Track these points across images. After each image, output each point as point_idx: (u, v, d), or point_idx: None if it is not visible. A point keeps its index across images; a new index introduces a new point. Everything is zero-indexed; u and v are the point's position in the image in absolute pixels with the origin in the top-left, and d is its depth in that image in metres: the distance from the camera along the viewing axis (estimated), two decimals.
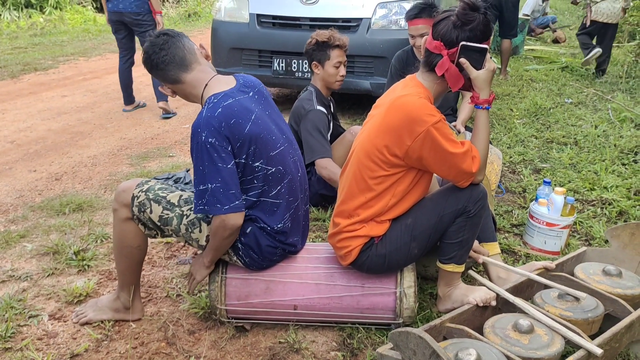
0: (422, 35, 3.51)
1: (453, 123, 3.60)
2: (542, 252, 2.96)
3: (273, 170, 2.07)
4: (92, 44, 10.24)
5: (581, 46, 7.56)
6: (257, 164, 2.03)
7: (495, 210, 3.40)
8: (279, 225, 2.10)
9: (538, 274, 2.25)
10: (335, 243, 2.14)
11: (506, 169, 4.24)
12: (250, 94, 2.11)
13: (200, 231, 2.11)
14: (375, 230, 2.06)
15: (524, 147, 4.71)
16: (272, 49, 5.05)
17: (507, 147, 4.67)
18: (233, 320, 2.25)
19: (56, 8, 14.75)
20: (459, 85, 1.95)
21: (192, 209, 2.10)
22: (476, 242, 2.33)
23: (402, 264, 2.11)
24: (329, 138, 3.30)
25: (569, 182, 3.91)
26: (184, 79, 2.05)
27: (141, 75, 6.33)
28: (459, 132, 3.51)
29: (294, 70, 5.00)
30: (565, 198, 2.95)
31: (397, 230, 2.06)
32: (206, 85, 2.05)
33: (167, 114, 5.58)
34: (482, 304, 2.01)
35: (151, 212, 2.11)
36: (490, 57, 1.95)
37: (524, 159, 4.42)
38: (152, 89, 5.80)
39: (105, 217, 3.24)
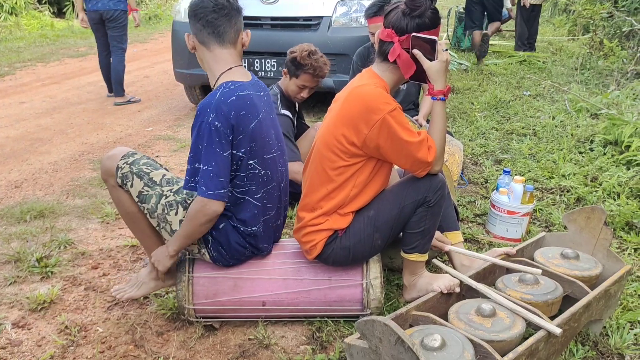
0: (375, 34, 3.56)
1: (415, 117, 3.66)
2: (504, 239, 3.03)
3: (262, 172, 2.08)
4: (50, 49, 10.03)
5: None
6: (252, 162, 2.04)
7: (458, 201, 3.47)
8: (253, 228, 2.10)
9: (501, 257, 2.31)
10: (300, 238, 2.16)
11: (468, 160, 4.32)
12: (262, 93, 2.12)
13: (176, 214, 2.10)
14: (339, 223, 2.08)
15: (485, 139, 4.81)
16: None
17: (469, 140, 4.77)
18: (202, 319, 2.24)
19: (11, 14, 14.37)
20: (411, 72, 1.99)
21: (173, 190, 2.11)
22: (439, 232, 2.38)
23: (366, 255, 2.14)
24: (294, 139, 3.32)
25: (529, 171, 4.01)
26: (213, 49, 2.02)
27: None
28: (421, 125, 3.57)
29: (257, 69, 5.00)
30: (524, 186, 3.03)
31: (360, 222, 2.09)
32: (230, 69, 2.04)
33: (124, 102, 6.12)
34: (446, 291, 2.05)
35: (132, 186, 2.11)
36: (446, 50, 2.00)
37: (485, 150, 4.51)
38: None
39: (67, 223, 3.19)
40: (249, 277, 2.21)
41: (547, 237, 2.55)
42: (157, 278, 2.28)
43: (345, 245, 2.09)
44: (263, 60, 4.98)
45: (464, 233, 3.08)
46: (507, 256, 2.35)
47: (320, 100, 5.90)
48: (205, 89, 5.70)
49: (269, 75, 5.00)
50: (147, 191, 2.11)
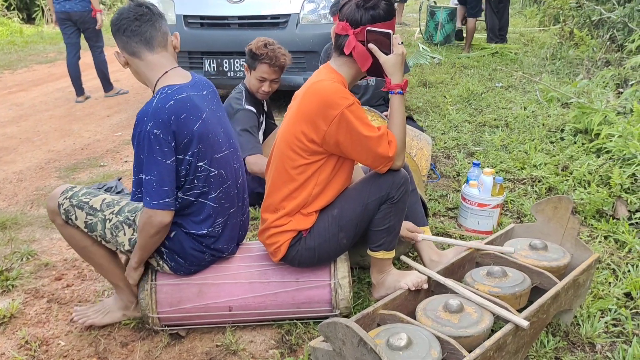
0: None
1: (385, 112, 3.63)
2: (476, 232, 3.02)
3: (215, 173, 2.03)
4: (18, 56, 9.83)
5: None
6: (201, 164, 1.98)
7: (430, 195, 3.45)
8: (209, 229, 2.05)
9: (468, 253, 2.29)
10: (265, 240, 2.12)
11: (441, 154, 4.31)
12: (204, 92, 2.07)
13: (124, 234, 2.05)
14: (302, 223, 2.04)
15: (458, 132, 4.80)
16: (202, 49, 4.96)
17: (442, 133, 4.76)
18: (167, 327, 2.19)
19: None
20: (368, 65, 1.95)
21: (114, 211, 2.06)
22: (412, 224, 2.36)
23: (332, 255, 2.11)
24: (260, 137, 3.26)
25: (501, 162, 4.01)
26: (144, 57, 1.98)
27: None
28: None
29: (226, 70, 4.94)
30: (494, 178, 3.02)
31: (324, 221, 2.05)
32: (165, 73, 1.99)
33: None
34: (413, 288, 2.02)
35: (76, 219, 2.06)
36: (402, 43, 1.97)
37: (457, 143, 4.50)
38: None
39: (31, 234, 3.11)
40: (214, 282, 2.16)
41: (516, 228, 2.54)
42: (125, 307, 2.24)
43: (310, 246, 2.05)
44: (232, 60, 4.91)
45: (436, 227, 3.06)
46: (476, 250, 2.33)
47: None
48: None
49: (238, 75, 4.93)
50: (91, 219, 2.06)
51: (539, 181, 3.69)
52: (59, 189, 2.13)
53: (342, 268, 2.19)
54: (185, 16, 5.02)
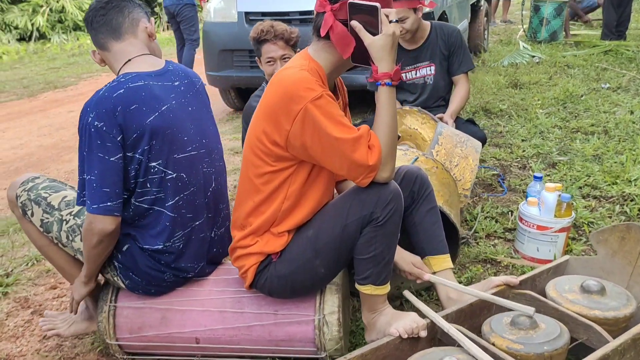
0: (399, 20, 3.11)
1: (439, 115, 3.16)
2: (535, 261, 2.47)
3: (173, 176, 1.73)
4: None
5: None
6: (154, 164, 1.69)
7: (488, 212, 2.93)
8: (165, 244, 1.75)
9: (496, 293, 1.79)
10: (233, 261, 1.78)
11: (516, 164, 3.72)
12: (176, 83, 1.80)
13: (81, 239, 1.79)
14: (271, 245, 1.67)
15: (543, 138, 4.16)
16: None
17: (522, 140, 4.14)
18: (128, 357, 1.91)
19: None
20: (350, 49, 1.55)
21: (73, 212, 1.84)
22: (418, 259, 1.90)
23: (309, 286, 1.72)
24: None
25: (588, 176, 3.36)
26: (111, 48, 1.78)
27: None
28: (447, 124, 3.06)
29: None
30: (559, 196, 2.45)
31: (297, 244, 1.67)
32: (129, 61, 1.77)
33: None
34: (405, 336, 1.59)
35: (32, 215, 1.85)
36: (395, 21, 1.53)
37: (539, 152, 3.88)
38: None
39: None
40: (179, 308, 1.85)
41: (571, 261, 2.00)
42: (90, 318, 1.99)
43: (281, 274, 1.68)
44: None
45: (483, 253, 2.55)
46: (509, 288, 1.83)
47: (359, 99, 5.39)
48: (241, 91, 5.44)
49: None
50: (47, 218, 1.82)
51: (631, 200, 3.02)
52: (20, 178, 1.93)
53: (330, 301, 1.79)
54: (247, 13, 4.82)
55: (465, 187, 2.46)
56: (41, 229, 1.85)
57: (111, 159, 1.62)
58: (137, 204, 1.72)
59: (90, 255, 1.71)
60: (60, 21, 14.90)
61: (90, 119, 1.61)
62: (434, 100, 3.39)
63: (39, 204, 1.84)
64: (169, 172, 1.71)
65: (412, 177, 1.91)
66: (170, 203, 1.73)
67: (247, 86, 5.07)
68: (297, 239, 1.67)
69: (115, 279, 1.81)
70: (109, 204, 1.62)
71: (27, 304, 2.35)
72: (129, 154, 1.66)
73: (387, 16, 1.52)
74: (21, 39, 14.32)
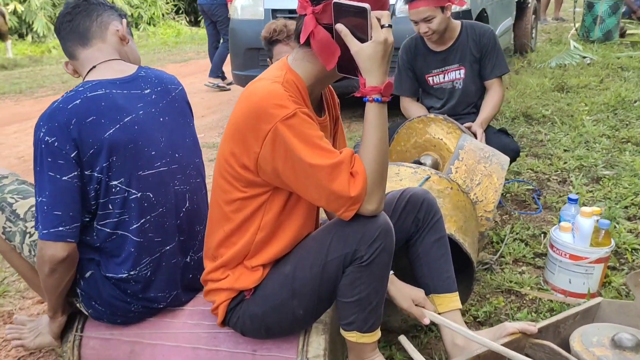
0: (425, 20, 2.85)
1: (466, 124, 2.88)
2: (566, 294, 2.17)
3: (137, 195, 1.54)
4: (159, 56, 10.29)
5: None
6: (115, 182, 1.51)
7: (517, 233, 2.64)
8: (130, 272, 1.56)
9: (509, 342, 1.53)
10: (205, 294, 1.57)
11: (555, 178, 3.40)
12: (146, 91, 1.61)
13: None
14: (244, 280, 1.45)
15: (588, 149, 3.80)
16: None
17: (564, 151, 3.79)
18: None
19: (150, 24, 15.29)
20: (333, 59, 1.31)
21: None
22: (421, 294, 1.65)
23: (287, 329, 1.50)
24: None
25: (636, 194, 3.02)
26: (79, 55, 1.64)
27: None
28: (475, 135, 2.78)
29: None
30: (597, 221, 2.15)
31: (273, 281, 1.44)
32: (93, 67, 1.61)
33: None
34: None
35: None
36: (388, 25, 1.29)
37: (582, 164, 3.53)
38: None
39: None
40: (149, 341, 1.66)
41: (603, 305, 1.71)
42: (54, 333, 1.81)
43: (254, 313, 1.46)
44: None
45: (508, 283, 2.27)
46: (525, 336, 1.56)
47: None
48: None
49: None
50: (10, 227, 1.66)
51: None
52: None
53: (316, 343, 1.56)
54: (273, 10, 4.62)
55: (488, 209, 2.18)
56: (3, 236, 1.69)
57: (63, 178, 1.44)
58: (99, 227, 1.54)
59: (46, 286, 1.54)
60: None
61: (41, 134, 1.45)
62: (463, 106, 3.11)
63: (3, 210, 1.68)
64: (133, 191, 1.52)
65: (417, 201, 1.66)
66: (135, 226, 1.54)
67: None
68: (273, 275, 1.45)
69: (78, 305, 1.64)
70: (60, 228, 1.44)
71: (9, 319, 2.22)
72: (87, 172, 1.48)
73: (379, 20, 1.28)
74: None
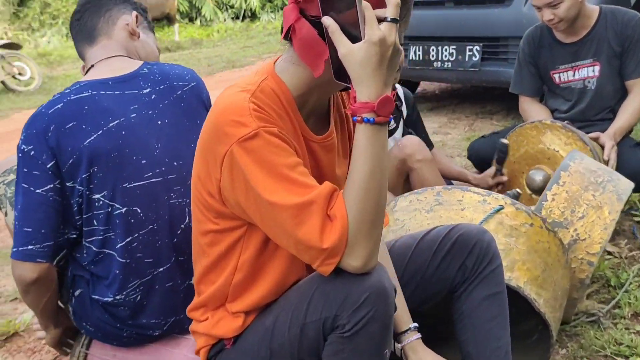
0: (549, 5, 2.36)
1: (593, 134, 2.35)
2: None
3: (122, 211, 1.37)
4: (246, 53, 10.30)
5: None
6: (98, 196, 1.36)
7: (633, 278, 2.07)
8: (116, 296, 1.40)
9: None
10: (190, 328, 1.35)
11: None
12: (144, 90, 1.44)
13: None
14: (224, 326, 1.20)
15: None
16: (409, 34, 4.13)
17: None
18: None
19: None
20: (320, 62, 1.01)
21: None
22: None
23: None
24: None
25: None
26: (86, 55, 1.55)
27: None
28: (608, 159, 2.28)
29: (432, 59, 4.02)
30: None
31: (254, 334, 1.17)
32: (92, 67, 1.51)
33: None
34: None
35: (6, 214, 1.62)
36: (390, 20, 0.94)
37: None
38: None
39: None
40: None
41: None
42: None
43: None
44: (440, 47, 3.97)
45: (617, 344, 1.77)
46: None
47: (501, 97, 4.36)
48: None
49: (445, 65, 3.97)
50: None
51: None
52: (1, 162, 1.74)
53: None
54: None
55: (591, 250, 1.70)
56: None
57: (37, 190, 1.31)
58: (87, 245, 1.40)
59: (28, 304, 1.45)
60: (270, 0, 15.74)
61: (20, 141, 1.34)
62: (595, 111, 2.55)
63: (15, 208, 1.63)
64: (117, 205, 1.36)
65: (468, 243, 1.30)
66: (120, 245, 1.37)
67: None
68: (256, 326, 1.17)
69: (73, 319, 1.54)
70: (30, 247, 1.32)
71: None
72: (68, 184, 1.34)
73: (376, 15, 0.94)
74: (236, 17, 15.44)
